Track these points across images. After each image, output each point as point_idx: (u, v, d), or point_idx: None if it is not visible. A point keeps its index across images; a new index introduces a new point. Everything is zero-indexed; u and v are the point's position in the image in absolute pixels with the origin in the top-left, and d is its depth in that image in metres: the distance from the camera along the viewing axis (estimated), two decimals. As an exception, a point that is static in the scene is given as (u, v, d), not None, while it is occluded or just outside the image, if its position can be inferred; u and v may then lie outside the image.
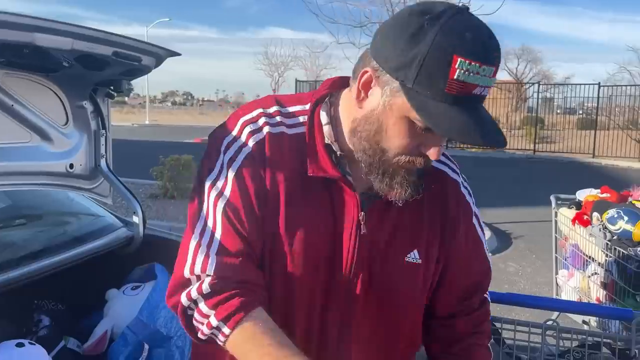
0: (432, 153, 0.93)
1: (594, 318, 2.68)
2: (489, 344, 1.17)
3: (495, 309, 1.41)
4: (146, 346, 1.98)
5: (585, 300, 2.91)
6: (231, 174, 0.98)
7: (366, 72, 0.92)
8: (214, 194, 0.98)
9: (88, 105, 2.18)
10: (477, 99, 0.87)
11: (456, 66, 0.82)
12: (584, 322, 2.79)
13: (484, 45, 0.85)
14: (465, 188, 1.13)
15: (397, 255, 1.04)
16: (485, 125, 0.88)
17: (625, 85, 18.08)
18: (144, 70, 2.09)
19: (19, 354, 1.77)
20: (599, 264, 2.82)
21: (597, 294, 2.82)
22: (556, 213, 3.24)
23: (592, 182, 3.73)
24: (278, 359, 0.88)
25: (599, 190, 3.11)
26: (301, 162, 0.99)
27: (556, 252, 3.33)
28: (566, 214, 3.12)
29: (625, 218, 2.65)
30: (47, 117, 2.01)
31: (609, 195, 3.02)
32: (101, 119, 2.24)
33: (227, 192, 0.98)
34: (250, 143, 0.99)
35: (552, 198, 3.28)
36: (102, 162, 2.27)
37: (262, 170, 0.98)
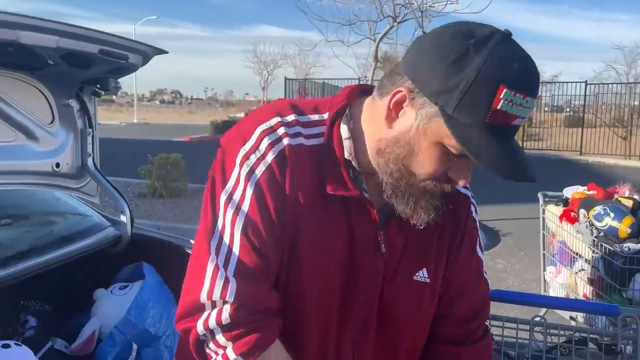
0: (461, 180, 0.92)
1: (581, 314, 2.71)
2: None
3: (484, 306, 1.41)
4: (135, 346, 1.97)
5: (573, 297, 2.93)
6: (250, 189, 0.92)
7: (399, 92, 0.88)
8: (231, 209, 0.93)
9: (74, 104, 2.16)
10: (513, 130, 0.86)
11: (501, 96, 0.80)
12: (571, 318, 2.81)
13: (530, 77, 0.83)
14: (473, 204, 1.11)
15: (406, 274, 1.02)
16: (520, 159, 0.86)
17: (612, 83, 18.29)
18: (131, 69, 2.07)
19: (5, 355, 1.75)
20: (586, 260, 2.85)
21: (584, 290, 2.85)
22: (544, 210, 3.27)
23: (579, 179, 3.76)
24: None
25: (585, 188, 3.14)
26: (319, 177, 0.95)
27: (544, 249, 3.35)
28: (554, 211, 3.14)
29: (612, 215, 2.67)
30: (33, 116, 1.99)
31: (595, 192, 3.05)
32: (88, 118, 2.22)
33: (246, 207, 0.92)
34: (270, 156, 0.93)
35: (539, 195, 3.30)
36: (89, 161, 2.24)
37: (282, 185, 0.93)
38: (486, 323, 1.15)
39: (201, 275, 0.92)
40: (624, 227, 2.63)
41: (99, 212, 2.51)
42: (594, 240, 2.73)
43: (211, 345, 0.91)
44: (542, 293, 3.32)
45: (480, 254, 1.13)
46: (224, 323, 0.89)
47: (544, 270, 3.36)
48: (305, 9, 8.77)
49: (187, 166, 8.18)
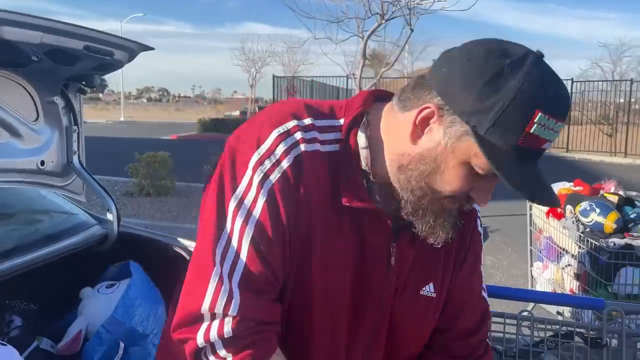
0: (483, 199, 0.91)
1: (568, 308, 2.74)
2: None
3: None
4: (122, 345, 1.96)
5: (559, 292, 2.96)
6: (262, 197, 0.88)
7: (427, 107, 0.85)
8: (240, 217, 0.89)
9: (59, 101, 2.13)
10: (541, 154, 0.85)
11: (535, 120, 0.79)
12: (558, 312, 2.84)
13: (563, 101, 0.83)
14: (479, 218, 1.11)
15: (413, 288, 1.01)
16: (546, 182, 0.87)
17: (597, 81, 18.41)
18: (117, 65, 2.05)
19: (-11, 355, 1.73)
20: (572, 255, 2.88)
21: (570, 285, 2.87)
22: (531, 206, 3.29)
23: (565, 175, 3.78)
24: None
25: (572, 184, 3.16)
26: (333, 186, 0.91)
27: (531, 245, 3.38)
28: (540, 207, 3.16)
29: (597, 210, 2.70)
30: (17, 113, 1.96)
31: (581, 188, 3.07)
32: (73, 115, 2.19)
33: (257, 215, 0.88)
34: (285, 162, 0.89)
35: (526, 191, 3.31)
36: (75, 159, 2.22)
37: (295, 194, 0.89)
38: (487, 341, 1.14)
39: (203, 284, 0.89)
40: (609, 222, 2.65)
41: (85, 211, 2.49)
42: (580, 236, 2.76)
43: (211, 357, 0.89)
44: (530, 288, 3.35)
45: (481, 269, 1.13)
46: (225, 336, 0.87)
47: (531, 265, 3.39)
48: (293, 6, 8.73)
49: (175, 164, 8.13)
